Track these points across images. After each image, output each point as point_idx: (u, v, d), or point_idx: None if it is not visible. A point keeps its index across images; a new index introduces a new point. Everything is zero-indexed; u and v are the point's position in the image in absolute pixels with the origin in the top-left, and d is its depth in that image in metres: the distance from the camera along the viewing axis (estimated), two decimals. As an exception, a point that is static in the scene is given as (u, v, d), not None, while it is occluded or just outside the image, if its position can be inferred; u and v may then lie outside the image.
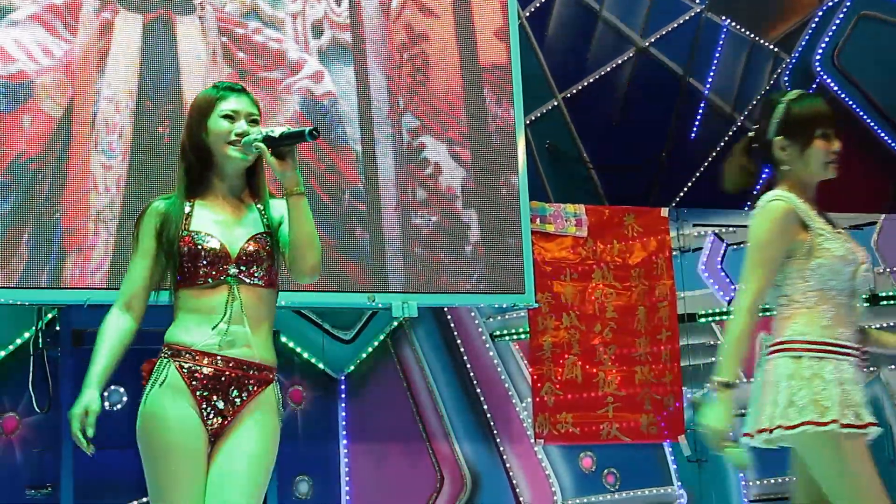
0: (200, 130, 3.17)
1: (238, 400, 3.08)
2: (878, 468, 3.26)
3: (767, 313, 3.55)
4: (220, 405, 3.06)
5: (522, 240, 6.18)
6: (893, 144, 8.23)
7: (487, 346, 6.74)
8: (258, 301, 3.13)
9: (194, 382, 3.05)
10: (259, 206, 3.23)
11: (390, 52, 6.04)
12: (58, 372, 5.60)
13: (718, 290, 7.20)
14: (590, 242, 6.82)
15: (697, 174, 7.64)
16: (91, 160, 5.29)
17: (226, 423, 3.07)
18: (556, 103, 7.36)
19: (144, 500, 5.67)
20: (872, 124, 8.17)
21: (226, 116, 3.16)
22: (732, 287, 7.19)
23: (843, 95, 8.05)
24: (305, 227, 3.09)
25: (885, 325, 7.24)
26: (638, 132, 7.43)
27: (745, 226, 7.11)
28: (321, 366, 6.35)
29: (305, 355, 6.31)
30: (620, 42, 7.61)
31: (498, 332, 6.78)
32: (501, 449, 6.66)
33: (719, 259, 7.23)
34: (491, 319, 6.77)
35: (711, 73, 7.81)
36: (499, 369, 6.73)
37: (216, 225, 3.14)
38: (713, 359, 7.15)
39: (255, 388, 3.11)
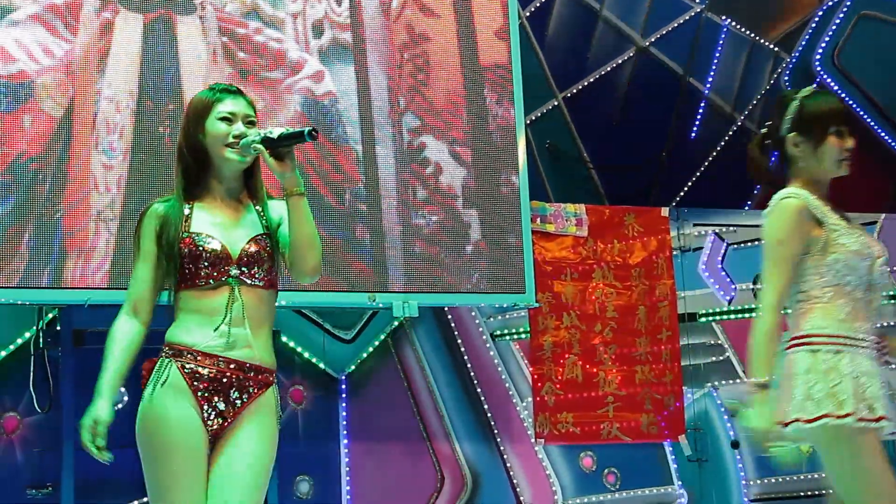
0: (197, 132, 3.17)
1: (238, 401, 3.09)
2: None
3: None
4: (221, 406, 3.07)
5: (523, 239, 6.18)
6: (893, 144, 8.23)
7: (488, 345, 6.74)
8: (259, 302, 3.14)
9: (196, 383, 3.05)
10: (257, 207, 3.23)
11: (391, 51, 6.04)
12: (58, 372, 5.60)
13: (719, 289, 7.20)
14: (590, 242, 6.82)
15: (698, 174, 7.65)
16: (92, 160, 5.29)
17: (226, 424, 3.08)
18: (556, 103, 7.36)
19: (145, 499, 5.65)
20: (872, 124, 8.17)
21: (223, 119, 3.16)
22: (733, 287, 7.19)
23: (843, 95, 8.04)
24: (306, 227, 3.10)
25: (885, 324, 7.24)
26: (638, 132, 7.43)
27: (745, 225, 7.21)
28: (322, 365, 6.35)
29: (306, 355, 6.31)
30: (621, 42, 7.61)
31: (498, 332, 6.78)
32: (502, 448, 6.66)
33: (720, 259, 7.23)
34: (491, 319, 6.78)
35: (712, 73, 7.81)
36: (499, 369, 6.73)
37: (216, 226, 3.14)
38: (713, 358, 7.19)
39: (256, 390, 3.11)
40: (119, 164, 5.34)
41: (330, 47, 5.90)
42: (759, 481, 7.05)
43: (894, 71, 8.15)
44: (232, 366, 3.07)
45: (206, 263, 3.09)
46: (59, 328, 5.64)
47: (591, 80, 7.48)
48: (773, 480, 7.07)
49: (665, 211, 7.06)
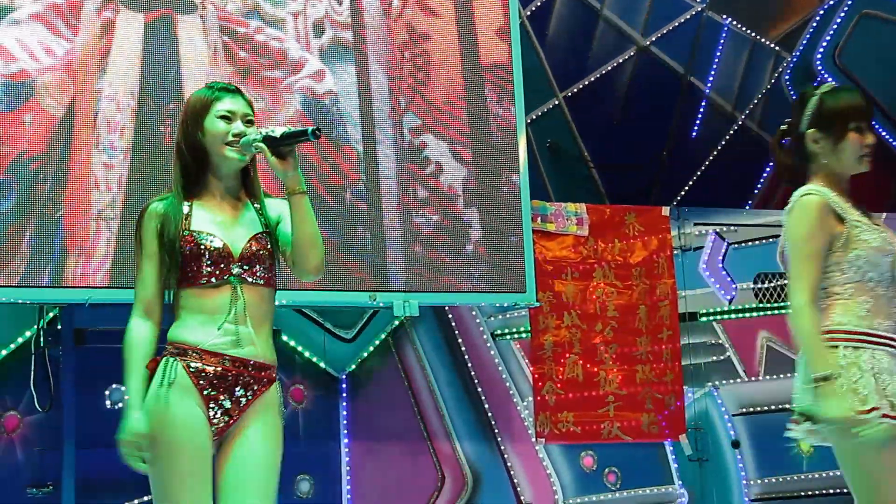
0: (196, 130, 3.16)
1: (244, 399, 3.09)
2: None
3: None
4: (227, 404, 3.07)
5: (524, 239, 6.18)
6: (895, 143, 8.22)
7: (489, 345, 6.74)
8: (260, 300, 3.14)
9: (202, 382, 3.05)
10: (255, 205, 3.23)
11: (391, 50, 6.04)
12: (59, 371, 5.60)
13: (719, 288, 7.19)
14: (591, 241, 6.82)
15: (698, 173, 7.64)
16: (92, 159, 5.29)
17: (231, 422, 3.08)
18: (557, 102, 7.36)
19: (145, 498, 5.67)
20: (874, 123, 8.15)
21: (222, 117, 3.16)
22: (734, 286, 7.19)
23: (843, 95, 8.03)
24: (308, 226, 3.09)
25: None
26: (639, 131, 7.43)
27: (746, 225, 7.21)
28: (322, 365, 6.35)
29: (307, 354, 6.31)
30: (621, 41, 7.61)
31: (499, 331, 6.77)
32: (502, 448, 6.66)
33: (720, 258, 7.23)
34: (492, 318, 6.77)
35: (712, 72, 7.81)
36: (500, 368, 6.73)
37: (216, 225, 3.14)
38: (714, 358, 7.19)
39: (260, 387, 3.11)
40: (120, 163, 5.33)
41: (330, 46, 5.90)
42: (759, 481, 7.05)
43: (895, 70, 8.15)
44: (237, 364, 3.07)
45: (208, 262, 3.09)
46: (59, 327, 5.64)
47: (592, 79, 7.48)
48: (773, 480, 7.07)
49: (666, 210, 7.06)
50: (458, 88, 6.18)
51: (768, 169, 7.78)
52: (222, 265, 3.10)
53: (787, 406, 7.80)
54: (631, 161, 7.39)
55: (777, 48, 8.03)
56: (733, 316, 7.17)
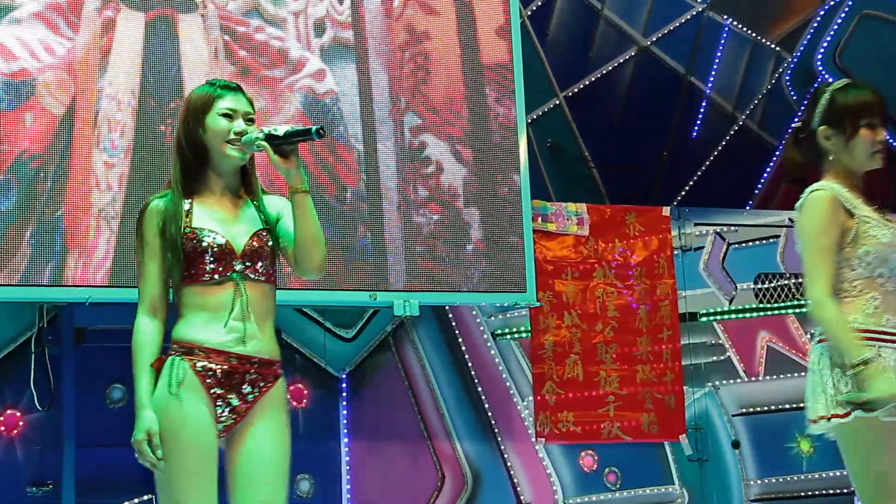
0: (198, 127, 3.16)
1: (251, 396, 3.10)
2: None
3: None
4: (235, 402, 3.07)
5: (524, 238, 6.18)
6: (895, 143, 8.22)
7: (489, 344, 6.74)
8: (262, 297, 3.14)
9: (209, 381, 3.05)
10: (254, 202, 3.23)
11: (392, 50, 6.04)
12: (59, 370, 5.60)
13: (720, 289, 7.19)
14: (591, 241, 6.82)
15: (699, 173, 7.64)
16: (93, 158, 5.29)
17: (238, 419, 3.08)
18: (557, 102, 7.35)
19: (146, 497, 5.67)
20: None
21: (224, 115, 3.16)
22: (734, 286, 7.19)
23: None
24: (310, 224, 3.09)
25: None
26: (639, 131, 7.43)
27: (746, 225, 7.21)
28: (322, 364, 6.34)
29: (307, 353, 6.31)
30: (622, 41, 7.61)
31: (499, 331, 6.77)
32: (502, 448, 6.66)
33: (721, 258, 7.23)
34: (492, 318, 6.77)
35: (713, 73, 7.81)
36: (500, 368, 6.73)
37: (217, 222, 3.14)
38: (714, 358, 7.19)
39: (266, 383, 3.12)
40: (120, 161, 5.34)
41: (331, 46, 5.90)
42: (759, 481, 7.05)
43: (896, 70, 8.15)
44: (243, 361, 3.08)
45: (210, 258, 3.09)
46: (60, 326, 5.63)
47: (593, 79, 7.48)
48: (773, 480, 7.07)
49: (666, 210, 7.06)
50: (459, 88, 6.18)
51: (769, 169, 7.78)
52: (225, 262, 3.10)
53: (788, 406, 7.82)
54: (631, 161, 7.39)
55: (777, 48, 8.03)
56: (733, 316, 7.17)
